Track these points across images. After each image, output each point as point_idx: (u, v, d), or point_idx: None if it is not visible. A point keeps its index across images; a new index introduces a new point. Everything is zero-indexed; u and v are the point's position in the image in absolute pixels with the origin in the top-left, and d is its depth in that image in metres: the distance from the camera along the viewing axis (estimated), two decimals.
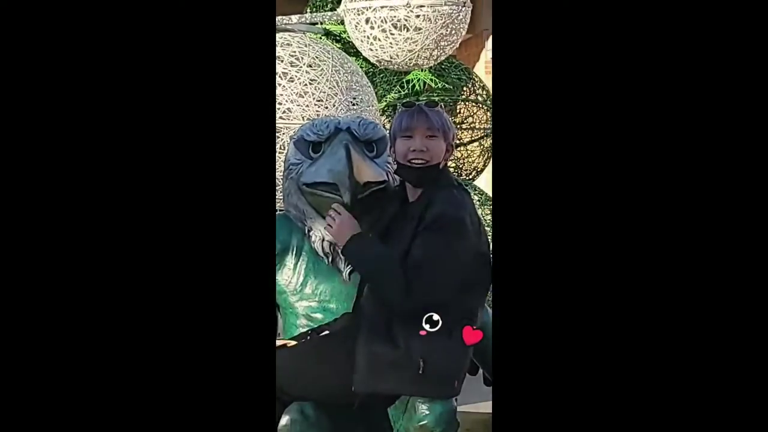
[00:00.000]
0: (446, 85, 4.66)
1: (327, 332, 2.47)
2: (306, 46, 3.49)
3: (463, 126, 4.80)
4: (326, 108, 3.38)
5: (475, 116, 4.86)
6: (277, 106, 3.30)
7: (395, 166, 2.49)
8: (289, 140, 2.73)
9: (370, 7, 3.90)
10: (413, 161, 2.38)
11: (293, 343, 2.46)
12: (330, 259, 2.58)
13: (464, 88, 4.81)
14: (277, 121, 3.24)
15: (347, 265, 2.56)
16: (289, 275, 2.60)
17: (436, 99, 4.17)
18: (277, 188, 2.79)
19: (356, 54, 4.27)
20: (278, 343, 2.45)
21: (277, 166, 2.84)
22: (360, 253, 2.37)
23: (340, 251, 2.45)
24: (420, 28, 3.89)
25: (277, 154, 3.33)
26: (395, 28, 3.89)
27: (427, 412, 2.33)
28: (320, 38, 4.24)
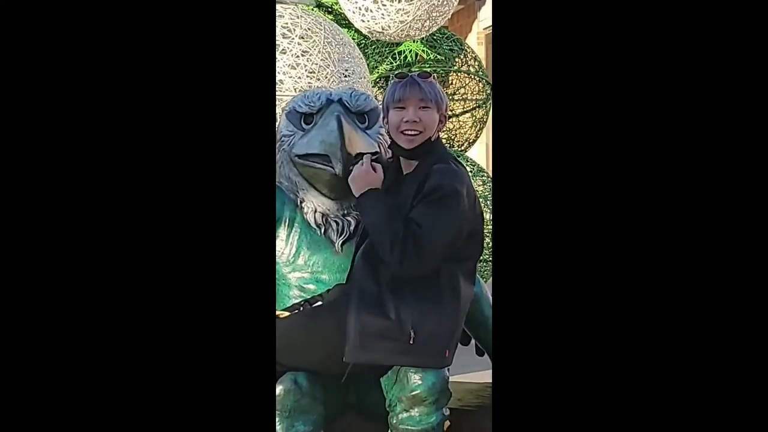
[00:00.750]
0: (438, 56, 4.65)
1: (320, 303, 2.48)
2: (298, 17, 3.48)
3: (455, 97, 4.81)
4: (318, 80, 3.37)
5: (467, 87, 4.86)
6: None
7: (388, 138, 2.50)
8: (281, 112, 2.72)
9: None
10: (406, 132, 2.38)
11: (285, 314, 2.46)
12: (323, 231, 2.59)
13: (456, 59, 4.80)
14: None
15: (340, 235, 2.57)
16: (281, 246, 2.60)
17: (429, 70, 4.17)
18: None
19: (348, 25, 4.27)
20: None
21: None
22: (371, 208, 2.37)
23: (354, 202, 2.44)
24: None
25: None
26: None
27: (420, 382, 2.35)
28: (312, 10, 4.23)
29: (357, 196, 2.41)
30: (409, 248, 2.27)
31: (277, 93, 3.25)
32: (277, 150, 2.65)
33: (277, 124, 2.71)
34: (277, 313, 2.47)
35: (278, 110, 2.91)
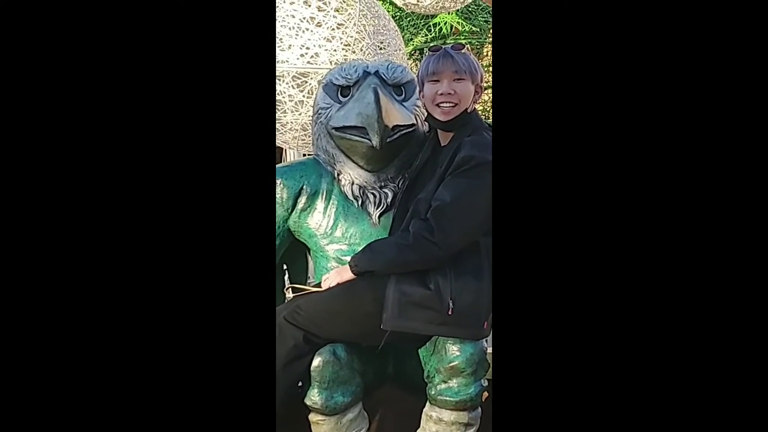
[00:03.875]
0: (473, 28, 4.64)
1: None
2: None
3: (491, 69, 4.78)
4: (354, 52, 3.38)
5: None
6: (305, 50, 3.30)
7: (425, 111, 2.50)
8: (317, 85, 2.73)
9: None
10: (441, 105, 2.38)
11: (313, 289, 2.46)
12: (360, 203, 2.60)
13: (491, 31, 4.78)
14: (305, 66, 3.24)
15: (377, 207, 2.58)
16: (319, 219, 2.62)
17: (463, 42, 4.16)
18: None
19: None
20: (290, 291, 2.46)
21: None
22: (372, 264, 2.37)
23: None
24: None
25: (304, 99, 3.34)
26: None
27: (458, 353, 2.36)
28: None
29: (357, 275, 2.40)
30: (436, 225, 2.27)
31: (313, 66, 3.26)
32: (314, 123, 2.66)
33: (313, 97, 2.72)
34: (305, 288, 2.48)
35: (315, 83, 2.92)
